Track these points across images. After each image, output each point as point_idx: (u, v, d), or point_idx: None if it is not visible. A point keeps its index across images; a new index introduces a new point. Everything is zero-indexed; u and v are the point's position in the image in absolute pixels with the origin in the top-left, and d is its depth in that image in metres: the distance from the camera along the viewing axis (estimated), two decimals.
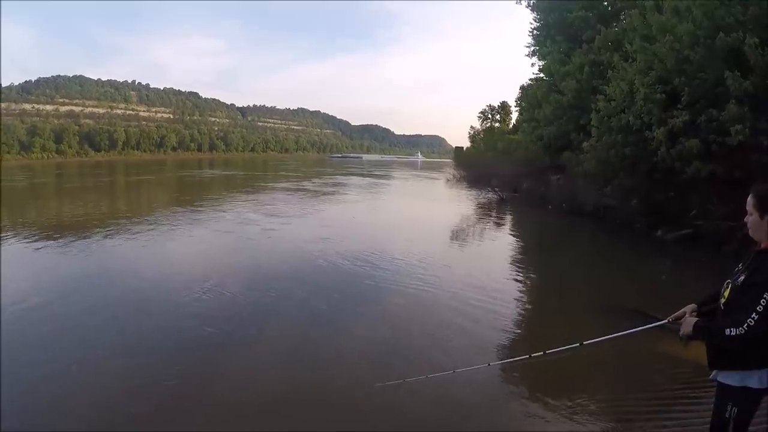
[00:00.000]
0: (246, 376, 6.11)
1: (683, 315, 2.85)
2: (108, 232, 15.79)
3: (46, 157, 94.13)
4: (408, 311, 8.59)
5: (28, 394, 5.39)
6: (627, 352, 7.11)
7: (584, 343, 3.77)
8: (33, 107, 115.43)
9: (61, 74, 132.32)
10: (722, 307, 2.60)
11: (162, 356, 6.45)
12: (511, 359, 5.95)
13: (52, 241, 14.01)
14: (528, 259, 14.64)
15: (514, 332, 7.95)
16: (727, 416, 2.50)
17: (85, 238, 14.93)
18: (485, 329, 7.86)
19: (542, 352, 4.12)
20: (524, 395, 5.68)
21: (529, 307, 9.63)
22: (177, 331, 7.36)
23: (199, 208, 23.45)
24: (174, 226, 17.62)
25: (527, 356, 4.50)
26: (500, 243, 16.65)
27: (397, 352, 6.77)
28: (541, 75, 28.41)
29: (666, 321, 3.03)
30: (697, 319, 2.70)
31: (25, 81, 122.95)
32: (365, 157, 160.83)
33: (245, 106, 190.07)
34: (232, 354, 6.67)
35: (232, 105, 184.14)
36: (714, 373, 2.61)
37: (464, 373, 5.34)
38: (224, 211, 22.16)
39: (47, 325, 7.48)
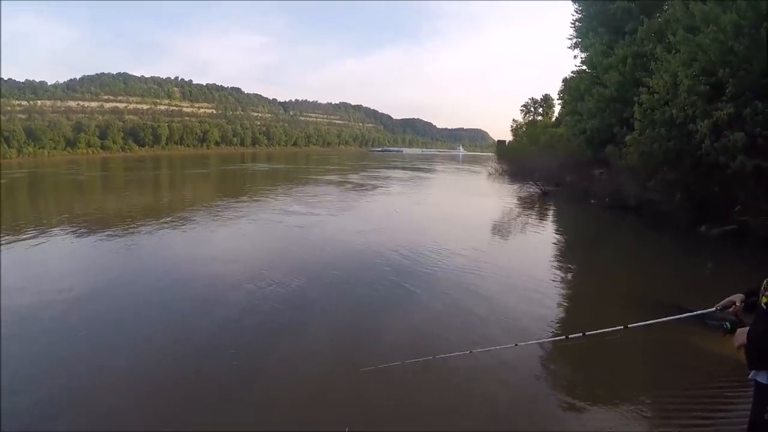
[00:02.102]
0: (297, 353, 6.75)
1: (731, 304, 2.82)
2: (169, 223, 17.39)
3: (91, 152, 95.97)
4: (447, 303, 8.88)
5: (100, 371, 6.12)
6: (664, 348, 7.21)
7: (629, 326, 3.64)
8: (78, 104, 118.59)
9: (106, 71, 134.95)
10: (764, 307, 2.53)
11: (219, 341, 7.07)
12: (548, 339, 5.96)
13: (116, 231, 15.28)
14: (569, 253, 14.71)
15: (550, 319, 8.29)
16: (766, 417, 2.42)
17: (151, 226, 16.42)
18: (521, 315, 8.26)
19: (581, 334, 4.02)
20: (559, 390, 5.83)
21: (568, 303, 9.71)
22: (233, 316, 8.02)
23: (251, 200, 25.07)
24: (228, 216, 19.12)
25: (564, 337, 4.51)
26: (542, 237, 16.76)
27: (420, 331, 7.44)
28: (584, 67, 27.91)
29: (714, 309, 3.00)
30: (748, 328, 2.62)
31: (70, 79, 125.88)
32: (406, 150, 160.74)
33: (287, 100, 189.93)
34: (282, 339, 7.25)
35: (274, 100, 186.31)
36: (753, 372, 2.54)
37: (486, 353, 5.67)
38: (274, 203, 23.59)
39: (113, 309, 8.40)
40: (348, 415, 5.21)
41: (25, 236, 14.48)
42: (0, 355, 6.16)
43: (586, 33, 26.78)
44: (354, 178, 42.42)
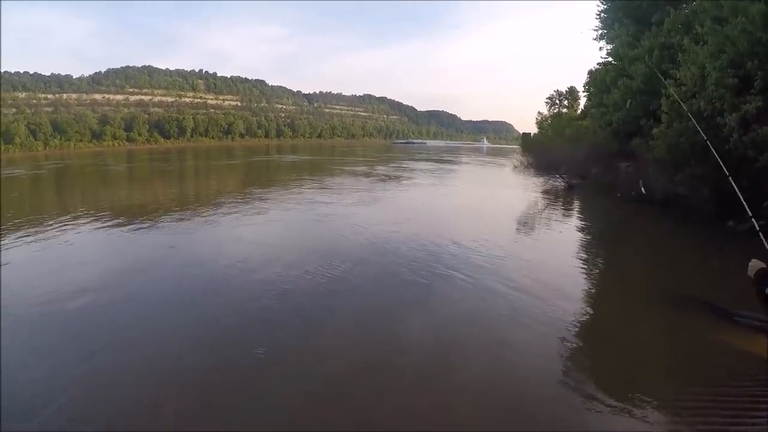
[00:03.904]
0: (324, 348, 7.05)
1: None
2: (203, 213, 18.58)
3: (116, 144, 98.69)
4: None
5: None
6: (690, 346, 7.29)
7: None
8: (103, 97, 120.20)
9: (130, 65, 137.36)
10: None
11: (248, 332, 7.45)
12: None
13: (147, 221, 15.80)
14: (595, 247, 14.73)
15: (576, 313, 8.45)
16: None
17: (186, 216, 17.68)
18: (545, 311, 8.36)
19: None
20: (583, 388, 5.89)
21: (595, 297, 9.85)
22: (262, 308, 8.40)
23: (281, 191, 26.37)
24: (259, 207, 19.97)
25: None
26: (567, 231, 16.82)
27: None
28: (610, 59, 27.51)
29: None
30: (763, 266, 2.68)
31: (95, 72, 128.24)
32: (429, 142, 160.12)
33: (311, 92, 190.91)
34: (309, 333, 7.54)
35: (299, 92, 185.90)
36: None
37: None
38: (304, 194, 24.61)
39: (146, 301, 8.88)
40: (367, 412, 5.44)
41: (64, 227, 15.34)
42: (0, 356, 6.32)
43: (611, 24, 26.43)
44: (380, 169, 42.93)
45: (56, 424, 5.09)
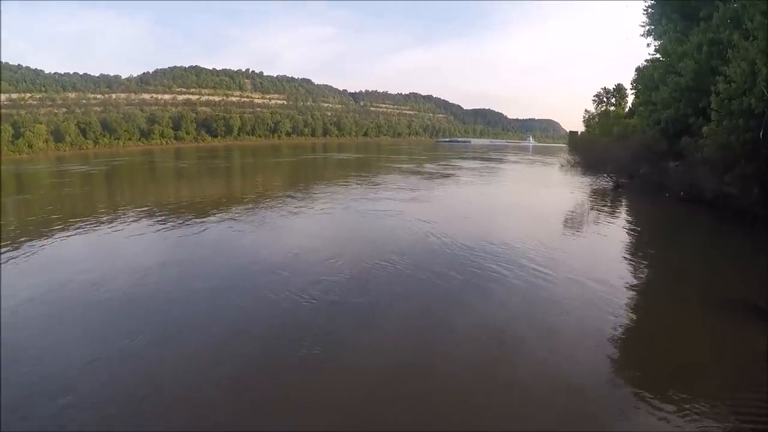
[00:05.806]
0: (369, 345, 7.42)
1: None
2: (260, 206, 20.31)
3: (164, 143, 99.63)
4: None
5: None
6: (738, 350, 7.43)
7: None
8: (152, 97, 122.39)
9: (178, 65, 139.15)
10: None
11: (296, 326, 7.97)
12: None
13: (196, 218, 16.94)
14: (644, 249, 14.63)
15: (625, 319, 8.48)
16: None
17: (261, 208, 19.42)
18: (593, 315, 8.51)
19: None
20: (630, 386, 6.08)
21: (641, 296, 9.90)
22: (313, 302, 9.00)
23: (335, 187, 27.58)
24: (313, 203, 21.25)
25: None
26: (615, 233, 16.66)
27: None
28: (657, 55, 26.79)
29: None
30: None
31: (144, 72, 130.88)
32: (473, 141, 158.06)
33: (357, 91, 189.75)
34: (354, 330, 7.97)
35: (344, 91, 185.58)
36: None
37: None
38: (358, 190, 25.86)
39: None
40: (410, 411, 5.74)
41: (145, 216, 17.26)
42: (0, 357, 6.74)
43: (659, 19, 25.75)
44: (428, 167, 43.63)
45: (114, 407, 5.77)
